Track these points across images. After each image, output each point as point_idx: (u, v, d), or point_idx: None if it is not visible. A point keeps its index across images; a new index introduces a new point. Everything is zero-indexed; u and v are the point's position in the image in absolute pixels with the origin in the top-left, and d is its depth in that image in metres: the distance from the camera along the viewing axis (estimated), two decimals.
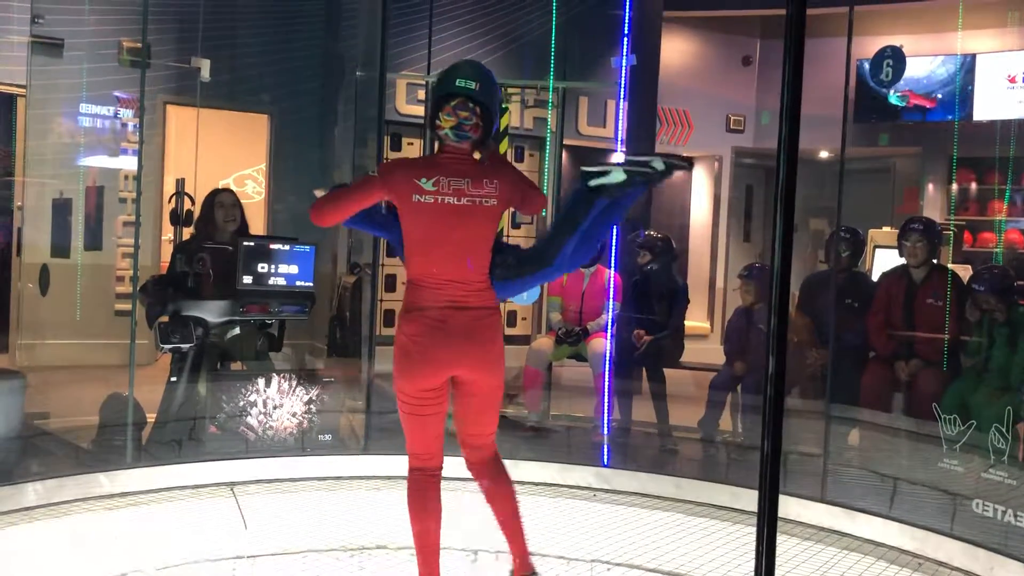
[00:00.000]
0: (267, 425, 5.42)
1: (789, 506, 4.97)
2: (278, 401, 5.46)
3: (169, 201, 7.03)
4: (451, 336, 3.33)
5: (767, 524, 1.61)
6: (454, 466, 5.21)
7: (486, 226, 3.38)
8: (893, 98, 9.63)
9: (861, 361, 6.13)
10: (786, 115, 1.57)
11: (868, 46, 7.33)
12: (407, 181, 3.31)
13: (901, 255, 6.03)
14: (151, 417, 5.46)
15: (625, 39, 6.10)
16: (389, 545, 4.33)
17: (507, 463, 5.56)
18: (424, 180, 3.29)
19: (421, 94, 8.51)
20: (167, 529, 4.47)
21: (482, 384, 3.44)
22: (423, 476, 3.48)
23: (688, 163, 3.47)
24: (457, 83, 3.35)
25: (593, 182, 3.32)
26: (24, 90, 7.85)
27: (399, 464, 5.43)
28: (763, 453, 1.62)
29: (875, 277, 7.42)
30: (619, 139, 7.20)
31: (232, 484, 5.09)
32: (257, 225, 8.66)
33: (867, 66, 7.03)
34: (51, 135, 8.09)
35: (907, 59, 6.48)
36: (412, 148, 9.48)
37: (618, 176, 3.28)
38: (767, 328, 1.87)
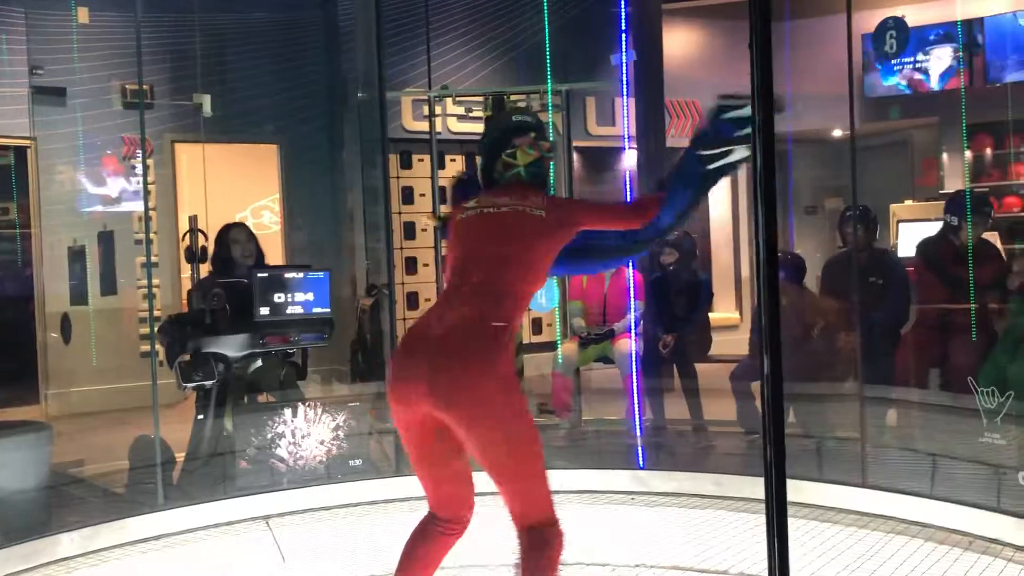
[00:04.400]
0: (297, 455, 5.39)
1: (830, 493, 4.89)
2: (306, 430, 5.43)
3: (183, 239, 7.04)
4: None
5: (777, 539, 1.54)
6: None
7: None
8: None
9: (892, 339, 6.02)
10: (759, 103, 1.50)
11: (872, 20, 7.22)
12: None
13: (948, 232, 5.93)
14: (180, 456, 5.44)
15: (623, 35, 6.04)
16: None
17: None
18: None
19: (426, 110, 8.49)
20: (205, 568, 4.44)
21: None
22: None
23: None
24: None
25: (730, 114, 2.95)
26: (31, 141, 7.91)
27: None
28: (766, 460, 1.55)
29: (901, 252, 7.31)
30: (628, 136, 7.15)
31: (267, 517, 5.07)
32: (276, 255, 8.67)
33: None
34: (61, 183, 8.15)
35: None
36: (422, 164, 9.45)
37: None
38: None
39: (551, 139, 3.15)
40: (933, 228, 6.33)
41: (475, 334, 2.67)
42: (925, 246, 6.18)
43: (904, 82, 9.84)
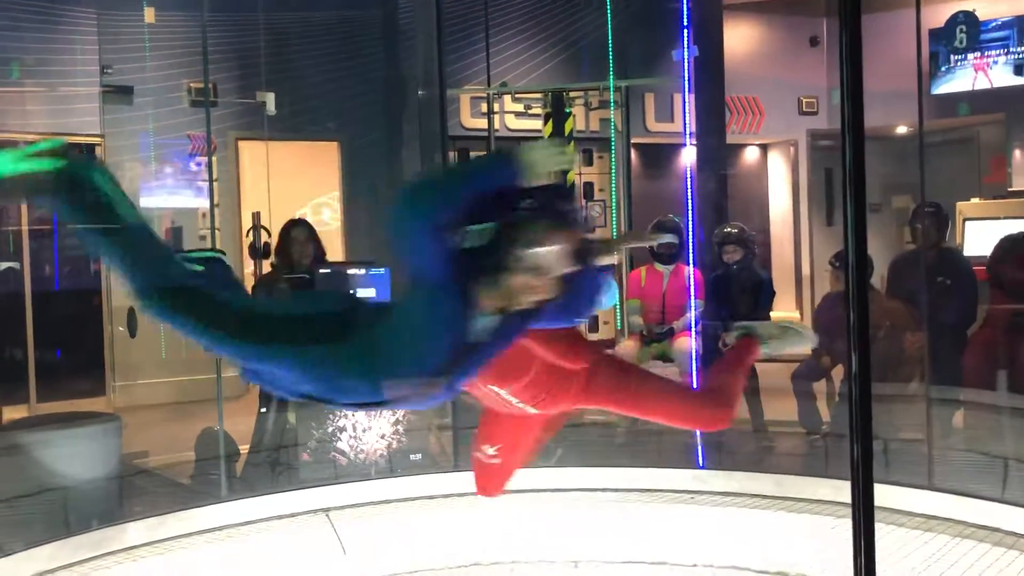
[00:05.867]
0: (358, 449, 5.44)
1: (895, 495, 4.80)
2: (367, 424, 5.48)
3: (247, 235, 7.14)
4: None
5: (864, 536, 1.52)
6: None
7: None
8: None
9: (960, 340, 5.90)
10: (848, 97, 1.47)
11: (941, 14, 7.10)
12: None
13: None
14: (244, 448, 5.52)
15: (685, 31, 6.00)
16: (483, 562, 4.30)
17: (601, 470, 5.52)
18: None
19: (484, 107, 8.51)
20: (267, 559, 4.50)
21: None
22: None
23: None
24: None
25: None
26: (100, 139, 8.08)
27: None
28: (853, 458, 1.53)
29: (967, 252, 7.15)
30: (687, 133, 7.09)
31: (327, 510, 5.12)
32: (336, 251, 8.75)
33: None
34: (128, 180, 8.32)
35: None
36: None
37: None
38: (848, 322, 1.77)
39: None
40: (1001, 226, 6.19)
41: None
42: (1004, 244, 6.02)
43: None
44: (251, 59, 8.34)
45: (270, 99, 7.59)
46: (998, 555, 4.16)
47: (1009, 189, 9.22)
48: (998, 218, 7.37)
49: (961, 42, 5.94)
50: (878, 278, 6.75)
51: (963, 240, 7.87)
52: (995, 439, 5.34)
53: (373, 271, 5.62)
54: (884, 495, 4.83)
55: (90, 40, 8.03)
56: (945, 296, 5.87)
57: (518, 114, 9.42)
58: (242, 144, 8.85)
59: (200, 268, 2.32)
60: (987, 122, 10.29)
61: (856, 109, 1.46)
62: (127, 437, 5.57)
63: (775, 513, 4.90)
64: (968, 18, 5.93)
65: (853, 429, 1.54)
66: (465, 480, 5.41)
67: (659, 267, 6.64)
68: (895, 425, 5.65)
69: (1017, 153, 9.84)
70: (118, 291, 8.09)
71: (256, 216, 6.76)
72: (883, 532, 4.47)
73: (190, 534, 4.80)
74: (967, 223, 7.99)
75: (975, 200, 8.80)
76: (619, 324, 6.90)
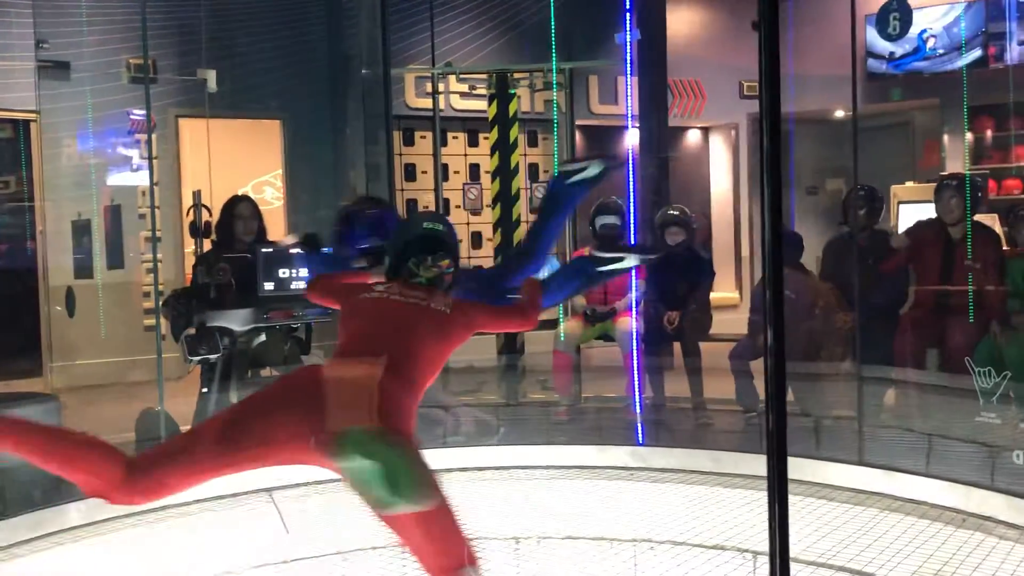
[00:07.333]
0: None
1: (827, 470, 4.95)
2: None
3: (187, 213, 7.07)
4: None
5: (778, 505, 1.59)
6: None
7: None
8: None
9: (892, 320, 6.07)
10: (765, 82, 1.54)
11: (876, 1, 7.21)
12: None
13: (937, 212, 6.01)
14: (185, 429, 5.49)
15: (627, 14, 6.06)
16: None
17: (542, 448, 5.60)
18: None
19: (429, 87, 8.51)
20: (211, 539, 4.50)
21: None
22: None
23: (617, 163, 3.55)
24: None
25: (572, 180, 3.39)
26: (35, 115, 7.92)
27: (432, 458, 5.48)
28: (768, 427, 1.60)
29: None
30: (630, 115, 7.17)
31: (270, 490, 5.12)
32: (278, 230, 8.70)
33: None
34: (66, 157, 8.17)
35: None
36: (424, 141, 9.47)
37: (595, 169, 3.36)
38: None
39: (452, 254, 3.14)
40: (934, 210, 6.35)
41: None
42: (916, 228, 6.27)
43: None
44: (192, 35, 8.23)
45: (211, 76, 7.50)
46: (923, 527, 4.31)
47: (942, 173, 9.44)
48: (931, 201, 7.55)
49: (895, 29, 6.07)
50: (812, 259, 6.90)
51: (897, 223, 8.06)
52: (922, 416, 5.51)
53: None
54: (816, 471, 4.98)
55: (24, 13, 7.84)
56: (877, 277, 6.03)
57: (463, 94, 9.42)
58: (182, 122, 8.74)
59: None
60: (922, 107, 10.51)
61: (773, 96, 1.52)
62: (66, 418, 5.51)
63: (712, 489, 5.03)
64: (901, 5, 6.06)
65: (768, 401, 1.61)
66: None
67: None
68: (827, 403, 5.81)
69: (946, 137, 10.08)
70: (56, 270, 7.97)
71: (197, 195, 6.69)
72: (815, 506, 4.63)
73: (131, 515, 4.78)
74: (901, 206, 8.18)
75: (910, 183, 9.01)
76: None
